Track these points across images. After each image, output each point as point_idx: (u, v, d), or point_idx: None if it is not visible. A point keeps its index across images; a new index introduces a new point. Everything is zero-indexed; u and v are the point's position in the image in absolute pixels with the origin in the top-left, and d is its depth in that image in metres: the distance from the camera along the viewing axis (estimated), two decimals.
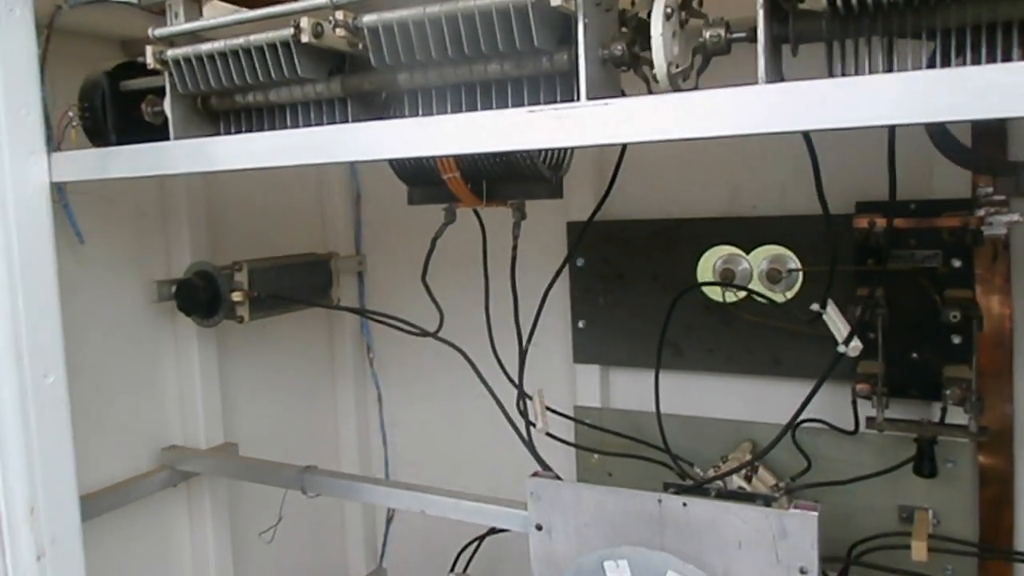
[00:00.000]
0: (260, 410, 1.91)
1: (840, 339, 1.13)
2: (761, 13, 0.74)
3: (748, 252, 1.66)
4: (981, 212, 1.44)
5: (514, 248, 1.36)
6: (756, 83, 0.73)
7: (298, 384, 2.04)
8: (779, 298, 1.60)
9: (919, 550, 1.31)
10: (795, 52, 0.80)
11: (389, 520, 2.25)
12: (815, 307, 1.18)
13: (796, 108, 0.67)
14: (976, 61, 0.73)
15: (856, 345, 1.12)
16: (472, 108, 0.94)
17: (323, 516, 2.13)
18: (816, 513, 0.98)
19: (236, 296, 1.54)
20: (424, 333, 1.49)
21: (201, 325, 1.62)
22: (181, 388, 1.74)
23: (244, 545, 1.87)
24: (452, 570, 1.70)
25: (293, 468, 1.54)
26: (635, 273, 1.79)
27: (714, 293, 1.67)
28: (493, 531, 1.56)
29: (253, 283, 1.57)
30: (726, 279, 1.66)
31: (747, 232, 1.64)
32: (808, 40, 0.79)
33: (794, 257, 1.60)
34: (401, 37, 0.92)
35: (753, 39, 0.75)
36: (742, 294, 1.59)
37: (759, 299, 1.59)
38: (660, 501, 1.07)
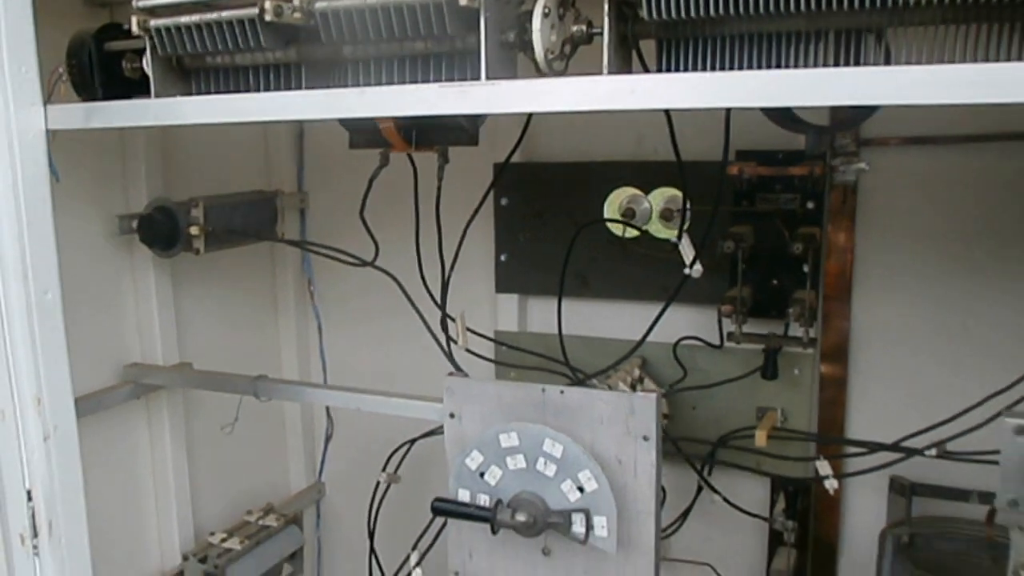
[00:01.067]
0: (210, 335, 2.25)
1: (687, 263, 1.53)
2: (607, 19, 1.11)
3: (648, 193, 2.04)
4: (837, 161, 1.86)
5: (438, 188, 1.72)
6: (601, 73, 1.11)
7: (244, 312, 2.38)
8: (670, 234, 2.00)
9: (760, 438, 1.75)
10: (636, 48, 1.17)
11: (328, 439, 2.63)
12: (674, 239, 1.58)
13: (621, 93, 1.04)
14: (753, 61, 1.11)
15: (698, 268, 1.51)
16: (402, 77, 1.29)
17: (267, 436, 2.50)
18: (655, 395, 1.38)
19: (193, 230, 1.87)
20: (362, 263, 1.85)
21: (160, 256, 1.95)
22: (139, 314, 2.06)
23: (197, 456, 2.23)
24: (384, 469, 2.10)
25: (246, 377, 1.90)
26: (552, 211, 2.16)
27: (617, 229, 2.05)
28: (417, 439, 1.96)
29: (208, 218, 1.90)
30: (629, 217, 2.04)
31: (649, 175, 2.02)
32: (644, 38, 1.16)
33: (684, 198, 1.99)
34: (345, 19, 1.26)
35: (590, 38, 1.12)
36: (637, 233, 1.99)
37: (653, 235, 1.98)
38: (544, 391, 1.46)
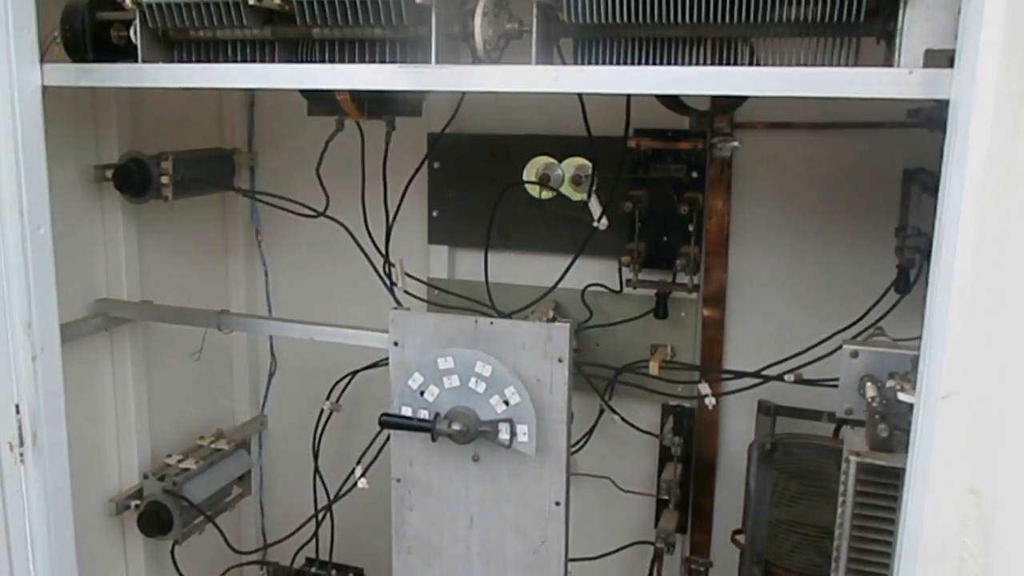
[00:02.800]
0: (168, 275, 2.42)
1: (595, 218, 1.81)
2: (534, 19, 1.35)
3: (561, 161, 2.30)
4: (715, 140, 2.15)
5: (385, 152, 1.94)
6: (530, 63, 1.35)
7: (197, 256, 2.55)
8: (580, 196, 2.27)
9: (653, 368, 2.06)
10: (557, 44, 1.41)
11: (271, 375, 2.83)
12: (584, 199, 1.85)
13: (546, 79, 1.29)
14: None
15: (604, 222, 1.79)
16: (362, 57, 1.51)
17: (216, 370, 2.68)
18: (568, 325, 1.65)
19: (164, 180, 2.05)
20: (317, 213, 2.06)
21: (131, 203, 2.11)
22: (107, 254, 2.22)
23: (155, 386, 2.40)
24: (328, 398, 2.32)
25: (211, 312, 2.09)
26: (478, 175, 2.40)
27: (535, 191, 2.31)
28: (359, 370, 2.19)
29: (176, 169, 2.08)
30: (544, 181, 2.30)
31: (562, 147, 2.27)
32: (564, 36, 1.40)
33: (591, 166, 2.27)
34: (318, 7, 1.46)
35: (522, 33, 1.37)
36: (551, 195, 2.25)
37: (566, 196, 2.25)
38: (476, 322, 1.72)
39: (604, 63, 1.40)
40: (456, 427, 1.66)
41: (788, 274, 2.21)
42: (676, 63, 1.38)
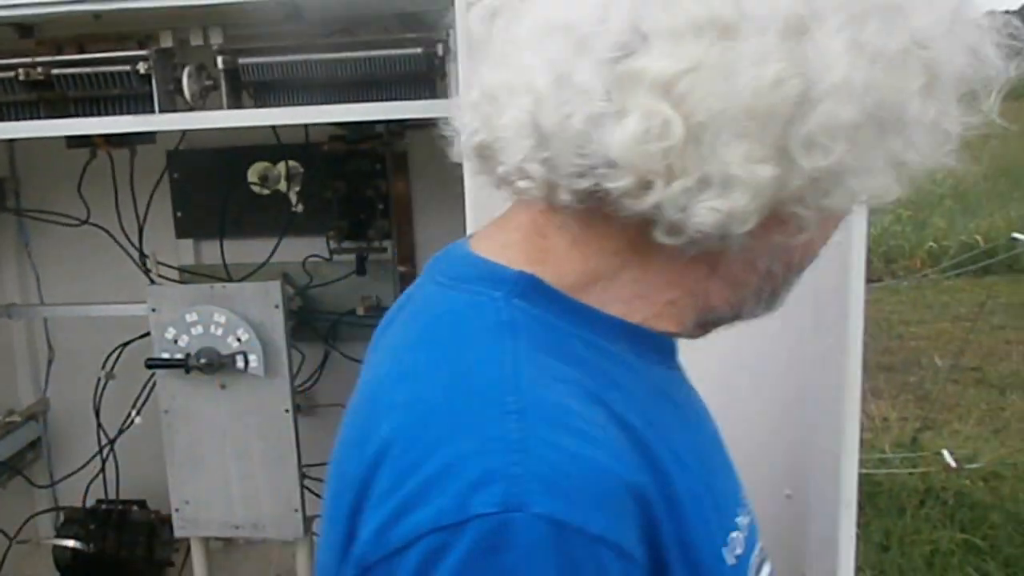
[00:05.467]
0: None
1: (293, 205, 2.63)
2: (223, 80, 2.14)
3: (275, 164, 3.09)
4: (392, 139, 3.02)
5: (131, 171, 2.65)
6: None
7: None
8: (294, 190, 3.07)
9: (360, 311, 2.92)
10: (244, 92, 2.21)
11: (49, 362, 3.41)
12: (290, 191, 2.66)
13: (240, 118, 2.09)
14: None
15: (300, 208, 2.62)
16: (107, 111, 2.24)
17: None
18: (278, 282, 2.47)
19: None
20: (80, 221, 2.73)
21: None
22: None
23: None
24: (103, 368, 2.99)
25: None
26: (213, 179, 3.13)
27: (257, 189, 3.07)
28: (129, 342, 2.89)
29: None
30: (263, 181, 3.07)
31: (279, 152, 3.05)
32: (247, 88, 2.21)
33: (300, 167, 3.07)
34: (72, 77, 2.17)
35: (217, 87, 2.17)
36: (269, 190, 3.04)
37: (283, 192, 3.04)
38: (212, 287, 2.49)
39: (276, 106, 2.21)
40: (203, 360, 2.43)
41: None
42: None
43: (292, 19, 2.11)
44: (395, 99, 2.14)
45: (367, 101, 2.12)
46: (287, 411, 2.56)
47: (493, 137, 0.81)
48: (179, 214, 3.15)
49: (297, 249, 3.08)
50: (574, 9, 0.73)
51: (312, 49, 2.11)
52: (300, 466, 2.61)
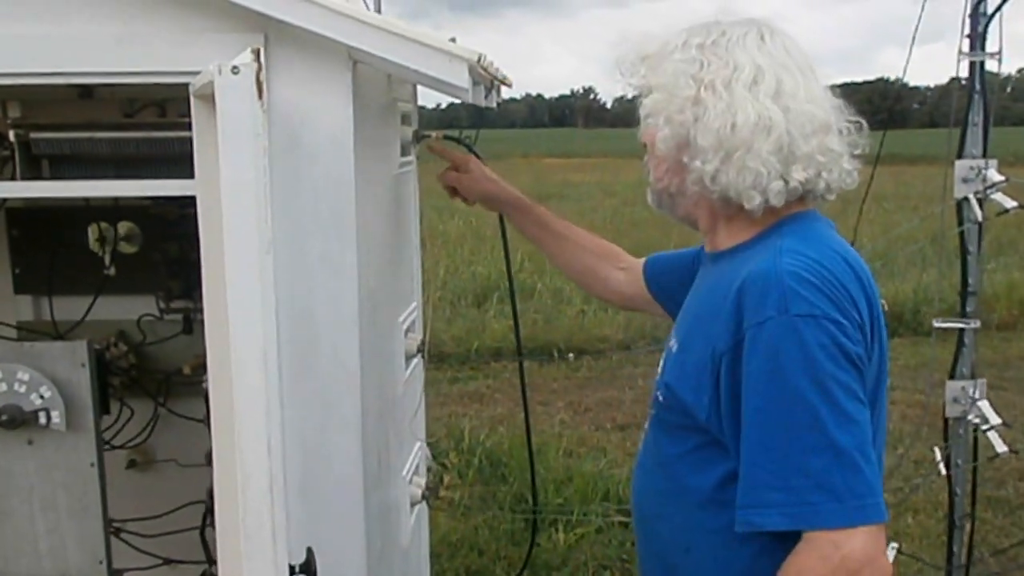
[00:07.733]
0: None
1: (106, 265, 2.81)
2: (16, 152, 2.33)
3: (115, 224, 3.26)
4: None
5: None
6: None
7: None
8: (129, 249, 3.24)
9: (185, 369, 3.08)
10: (42, 161, 2.41)
11: None
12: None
13: (27, 189, 2.28)
14: None
15: (112, 271, 2.80)
16: None
17: None
18: (84, 342, 2.63)
19: None
20: None
21: None
22: None
23: None
24: None
25: None
26: (51, 238, 3.29)
27: (96, 248, 3.24)
28: None
29: None
30: (102, 241, 3.24)
31: (116, 213, 3.22)
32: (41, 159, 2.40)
33: (136, 228, 3.24)
34: None
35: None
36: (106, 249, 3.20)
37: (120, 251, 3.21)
38: (22, 345, 2.64)
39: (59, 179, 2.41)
40: (4, 417, 2.58)
41: None
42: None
43: (85, 97, 2.33)
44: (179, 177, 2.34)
45: (152, 178, 2.33)
46: (92, 465, 2.70)
47: None
48: (17, 271, 3.30)
49: (134, 307, 3.25)
50: None
51: (100, 127, 2.31)
52: (106, 519, 2.75)
